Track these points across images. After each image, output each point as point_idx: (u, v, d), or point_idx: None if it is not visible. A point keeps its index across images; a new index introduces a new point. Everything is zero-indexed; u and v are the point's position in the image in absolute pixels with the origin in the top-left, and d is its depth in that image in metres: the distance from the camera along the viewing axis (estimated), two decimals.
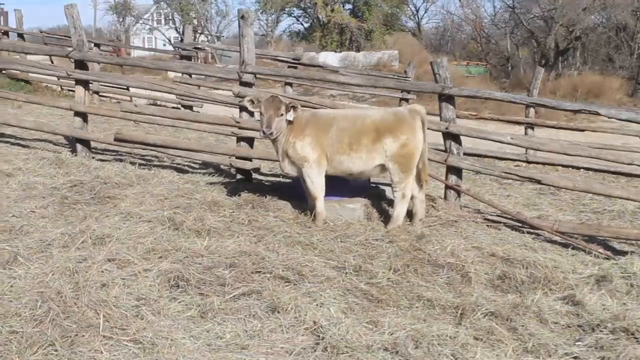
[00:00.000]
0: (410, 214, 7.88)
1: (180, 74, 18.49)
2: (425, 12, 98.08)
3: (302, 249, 6.66)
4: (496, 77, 46.58)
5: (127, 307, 5.05)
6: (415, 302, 5.60)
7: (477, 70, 47.77)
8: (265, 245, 6.66)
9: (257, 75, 9.85)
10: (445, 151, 8.80)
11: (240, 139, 9.75)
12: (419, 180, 7.82)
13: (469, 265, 6.48)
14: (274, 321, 5.02)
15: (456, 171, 8.76)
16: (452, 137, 8.71)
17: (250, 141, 9.74)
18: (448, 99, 8.69)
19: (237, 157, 9.65)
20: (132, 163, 10.20)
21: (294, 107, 7.44)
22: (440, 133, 8.79)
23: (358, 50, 50.99)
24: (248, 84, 9.55)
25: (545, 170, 12.28)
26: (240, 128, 9.63)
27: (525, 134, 15.96)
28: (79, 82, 10.66)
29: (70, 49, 10.74)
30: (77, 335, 4.55)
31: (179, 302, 5.25)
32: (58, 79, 19.61)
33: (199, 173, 10.19)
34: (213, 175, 9.97)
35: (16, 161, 9.45)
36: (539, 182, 8.53)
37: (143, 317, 4.93)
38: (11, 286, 5.33)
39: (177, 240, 6.62)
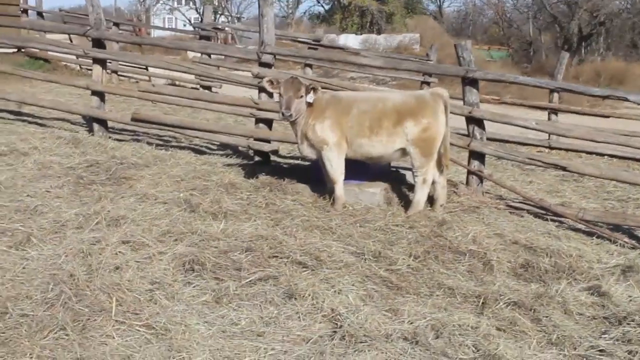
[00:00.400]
0: (431, 200, 7.74)
1: (199, 55, 18.38)
2: None
3: (320, 233, 6.52)
4: (517, 61, 46.04)
5: (141, 291, 4.93)
6: (436, 290, 5.46)
7: (499, 54, 47.32)
8: (283, 229, 6.54)
9: (277, 56, 9.73)
10: (467, 136, 8.62)
11: (258, 120, 9.62)
12: (440, 165, 7.66)
13: (491, 252, 6.33)
14: (291, 308, 4.89)
15: (479, 156, 8.58)
16: (475, 121, 8.53)
17: (269, 123, 9.60)
18: (472, 82, 8.50)
19: (255, 139, 9.54)
20: (149, 143, 10.12)
21: (314, 89, 7.31)
22: (463, 117, 8.60)
23: (379, 33, 50.49)
24: (267, 65, 9.42)
25: (569, 156, 12.06)
26: (259, 109, 9.50)
27: (549, 119, 15.66)
28: (96, 60, 10.59)
29: (88, 27, 10.64)
30: (88, 319, 4.45)
31: (194, 287, 5.14)
32: (77, 58, 19.56)
33: (217, 154, 10.10)
34: (231, 157, 9.88)
35: (33, 140, 9.36)
36: (564, 169, 8.33)
37: (156, 301, 4.82)
38: (23, 268, 5.24)
39: (193, 222, 6.50)
